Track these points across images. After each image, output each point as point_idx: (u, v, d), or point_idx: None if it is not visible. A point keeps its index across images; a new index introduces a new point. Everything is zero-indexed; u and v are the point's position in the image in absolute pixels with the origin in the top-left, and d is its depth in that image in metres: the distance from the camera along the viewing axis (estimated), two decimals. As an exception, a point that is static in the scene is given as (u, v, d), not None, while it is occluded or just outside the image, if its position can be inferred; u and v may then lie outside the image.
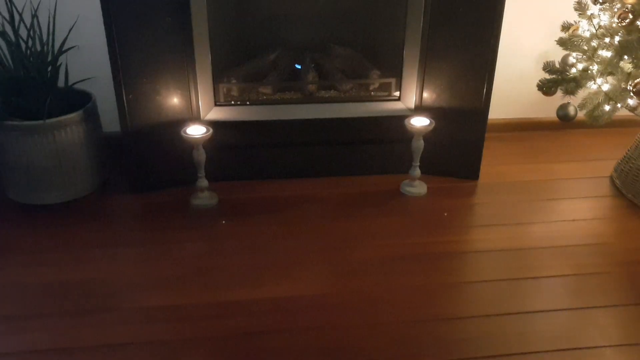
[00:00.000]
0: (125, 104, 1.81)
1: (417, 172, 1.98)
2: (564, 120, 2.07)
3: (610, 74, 1.89)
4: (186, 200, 1.91)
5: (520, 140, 2.39)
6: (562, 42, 2.00)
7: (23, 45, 1.78)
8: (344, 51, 2.17)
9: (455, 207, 1.92)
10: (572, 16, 2.02)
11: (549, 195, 2.01)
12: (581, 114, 2.00)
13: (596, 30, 1.92)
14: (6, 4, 1.77)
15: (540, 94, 2.07)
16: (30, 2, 1.89)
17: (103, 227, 1.79)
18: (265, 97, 2.04)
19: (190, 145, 1.84)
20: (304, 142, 2.01)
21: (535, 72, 2.18)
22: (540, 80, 2.06)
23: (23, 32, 1.78)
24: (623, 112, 1.96)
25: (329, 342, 1.36)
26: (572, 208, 1.93)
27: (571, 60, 2.03)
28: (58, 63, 1.84)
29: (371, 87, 2.08)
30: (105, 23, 1.69)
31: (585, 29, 1.97)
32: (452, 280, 1.58)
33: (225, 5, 1.94)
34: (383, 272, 1.60)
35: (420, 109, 1.97)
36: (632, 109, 1.89)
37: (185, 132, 1.81)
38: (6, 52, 1.78)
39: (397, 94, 2.00)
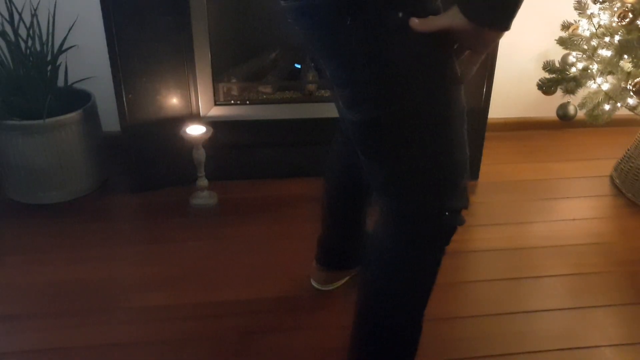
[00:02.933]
0: (125, 104, 1.80)
1: (417, 171, 1.98)
2: (564, 119, 2.07)
3: (610, 73, 1.89)
4: (186, 199, 1.91)
5: (520, 140, 2.39)
6: (562, 42, 2.00)
7: (23, 45, 1.78)
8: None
9: (455, 207, 1.91)
10: (572, 15, 2.01)
11: (549, 195, 2.01)
12: (581, 113, 2.00)
13: (596, 30, 1.91)
14: (6, 3, 1.77)
15: (540, 93, 2.07)
16: (30, 1, 1.88)
17: (103, 226, 1.79)
18: (265, 97, 2.04)
19: (190, 144, 1.84)
20: (304, 142, 2.01)
21: (535, 71, 2.18)
22: (540, 80, 2.05)
23: (23, 32, 1.78)
24: (623, 112, 1.96)
25: (329, 342, 1.36)
26: (572, 207, 1.93)
27: (571, 59, 2.02)
28: (58, 62, 1.83)
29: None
30: (105, 23, 1.69)
31: (585, 28, 1.97)
32: (452, 280, 1.58)
33: (225, 5, 1.94)
34: (383, 272, 1.59)
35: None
36: (632, 108, 1.89)
37: (185, 132, 1.81)
38: (6, 51, 1.78)
39: (397, 93, 2.00)
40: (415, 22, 0.79)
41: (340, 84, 0.91)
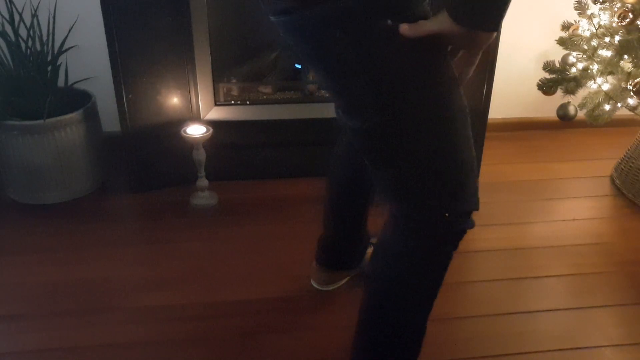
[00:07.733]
0: (125, 104, 1.81)
1: (417, 171, 1.98)
2: (564, 119, 2.07)
3: (611, 73, 1.89)
4: (186, 200, 1.91)
5: (521, 140, 2.39)
6: (562, 42, 2.00)
7: (23, 45, 1.78)
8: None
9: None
10: (572, 15, 2.01)
11: (549, 195, 2.01)
12: (581, 114, 2.00)
13: (596, 30, 1.91)
14: (6, 3, 1.77)
15: (540, 93, 2.07)
16: (30, 2, 1.89)
17: (103, 227, 1.79)
18: (265, 97, 2.04)
19: (190, 145, 1.84)
20: (304, 142, 2.01)
21: (535, 71, 2.18)
22: (540, 80, 2.05)
23: (23, 32, 1.78)
24: (623, 112, 1.96)
25: (329, 342, 1.36)
26: (572, 207, 1.93)
27: (571, 59, 2.02)
28: (58, 63, 1.84)
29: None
30: (105, 23, 1.69)
31: (585, 28, 1.97)
32: (452, 280, 1.58)
33: (225, 5, 1.94)
34: (383, 272, 1.59)
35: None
36: (632, 109, 1.89)
37: (185, 132, 1.81)
38: (6, 52, 1.78)
39: (397, 93, 2.00)
40: (404, 28, 0.79)
41: (335, 94, 0.91)
